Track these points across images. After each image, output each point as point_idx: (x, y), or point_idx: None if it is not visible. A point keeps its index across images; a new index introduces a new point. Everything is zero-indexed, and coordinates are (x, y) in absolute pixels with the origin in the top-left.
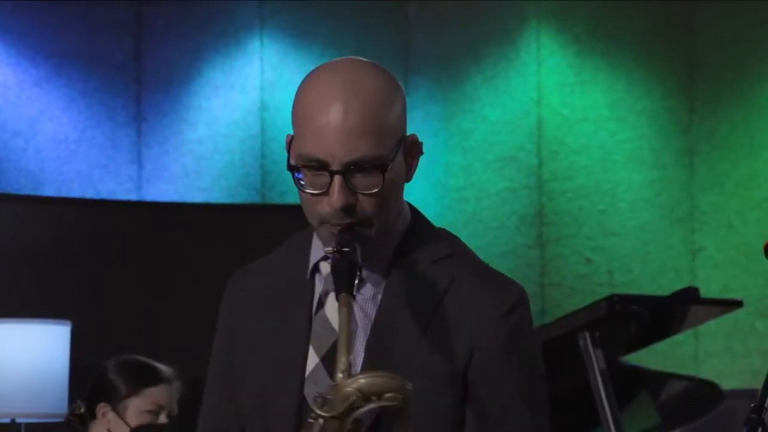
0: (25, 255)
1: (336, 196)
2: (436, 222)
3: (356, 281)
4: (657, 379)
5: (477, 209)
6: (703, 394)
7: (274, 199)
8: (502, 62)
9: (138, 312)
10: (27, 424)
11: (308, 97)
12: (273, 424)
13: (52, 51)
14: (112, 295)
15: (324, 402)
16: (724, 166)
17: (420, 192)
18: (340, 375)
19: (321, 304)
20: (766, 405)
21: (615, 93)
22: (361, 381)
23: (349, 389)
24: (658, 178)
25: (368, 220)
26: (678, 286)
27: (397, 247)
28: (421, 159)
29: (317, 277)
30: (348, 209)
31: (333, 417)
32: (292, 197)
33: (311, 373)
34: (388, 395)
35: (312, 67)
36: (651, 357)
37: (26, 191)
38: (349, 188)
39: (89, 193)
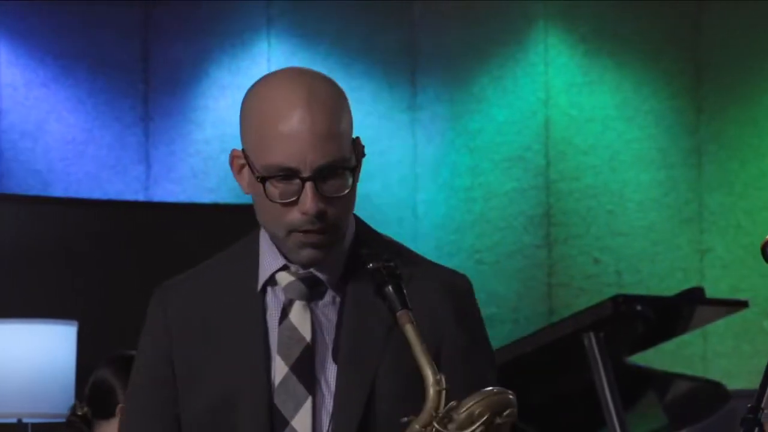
0: (32, 255)
1: (309, 203)
2: (443, 222)
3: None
4: (663, 380)
5: (484, 209)
6: (709, 395)
7: None
8: (510, 62)
9: (144, 312)
10: (33, 424)
11: (266, 106)
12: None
13: (60, 52)
14: (119, 296)
15: (450, 420)
16: (732, 166)
17: (427, 192)
18: (433, 389)
19: (285, 313)
20: (762, 405)
21: (622, 93)
22: (487, 399)
23: (480, 408)
24: (666, 178)
25: (337, 225)
26: (686, 287)
27: (349, 250)
28: (429, 159)
29: (269, 288)
30: (321, 215)
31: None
32: None
33: (282, 382)
34: (507, 412)
35: (320, 68)
36: (659, 357)
37: (34, 192)
38: (320, 194)
39: (97, 194)
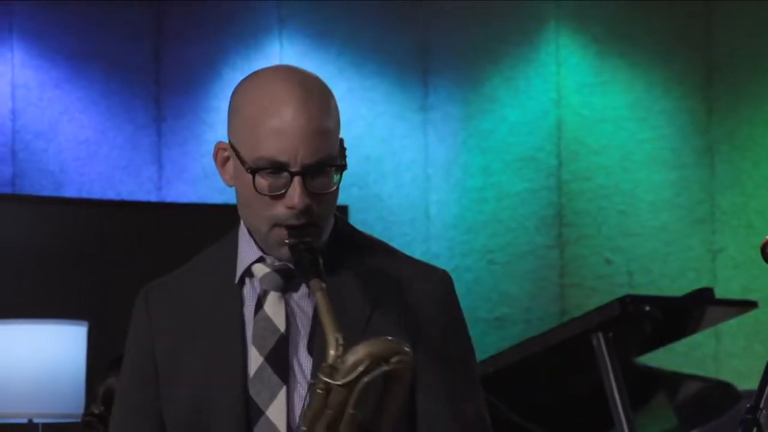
0: (45, 256)
1: (298, 198)
2: (455, 222)
3: (323, 268)
4: (673, 380)
5: (496, 210)
6: (719, 395)
7: None
8: (522, 63)
9: None
10: (44, 425)
11: (258, 101)
12: (215, 428)
13: (73, 52)
14: (130, 296)
15: (333, 371)
16: (744, 166)
17: (439, 193)
18: (332, 352)
19: (260, 304)
20: (761, 405)
21: (634, 93)
22: (369, 347)
23: (359, 355)
24: (678, 179)
25: (320, 221)
26: (698, 287)
27: (326, 246)
28: (441, 160)
29: (247, 281)
30: (307, 210)
31: (344, 384)
32: None
33: (257, 372)
34: (396, 359)
35: (332, 68)
36: (671, 358)
37: (47, 192)
38: (307, 189)
39: (110, 195)
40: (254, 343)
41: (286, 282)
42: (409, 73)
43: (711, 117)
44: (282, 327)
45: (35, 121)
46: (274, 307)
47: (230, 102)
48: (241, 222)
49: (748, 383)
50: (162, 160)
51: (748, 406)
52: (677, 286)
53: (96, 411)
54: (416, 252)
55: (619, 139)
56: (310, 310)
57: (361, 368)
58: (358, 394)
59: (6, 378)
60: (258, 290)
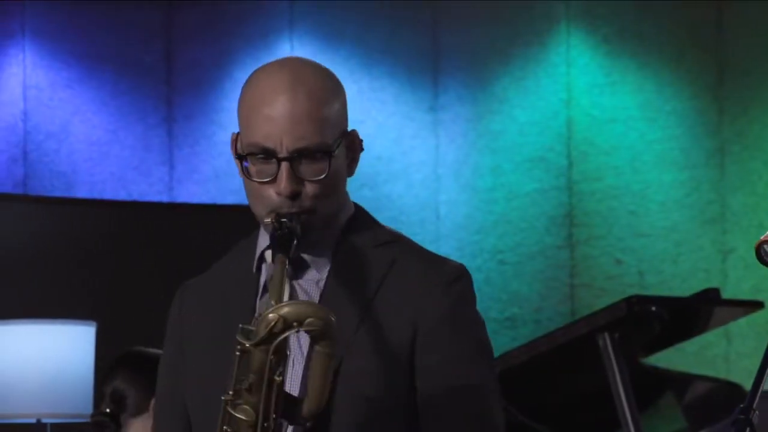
0: (55, 256)
1: (284, 183)
2: (465, 222)
3: (293, 246)
4: (681, 381)
5: (506, 210)
6: (726, 395)
7: None
8: (531, 63)
9: (166, 314)
10: (52, 425)
11: (254, 90)
12: (215, 416)
13: (84, 53)
14: (141, 296)
15: (249, 333)
16: (755, 166)
17: (449, 193)
18: (255, 316)
19: (266, 288)
20: (753, 406)
21: (644, 93)
22: (283, 309)
23: (270, 316)
24: (689, 179)
25: (312, 208)
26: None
27: (340, 235)
28: (451, 160)
29: (263, 267)
30: (294, 195)
31: (256, 344)
32: None
33: None
34: (309, 320)
35: (342, 69)
36: (682, 358)
37: (58, 193)
38: (295, 175)
39: (121, 195)
40: None
41: (295, 269)
42: (419, 73)
43: (721, 117)
44: None
45: (47, 121)
46: None
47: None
48: None
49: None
50: (173, 160)
51: (740, 406)
52: (688, 286)
53: (106, 410)
54: None
55: (630, 140)
56: (316, 296)
57: (270, 328)
58: (276, 357)
59: (14, 378)
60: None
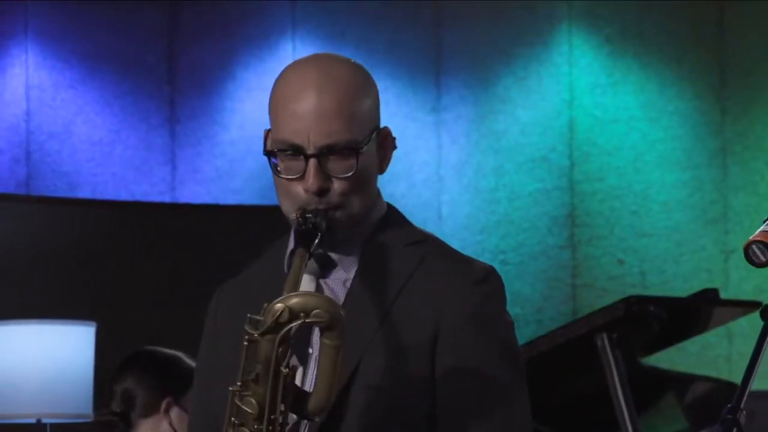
0: (58, 257)
1: (311, 180)
2: (468, 223)
3: (315, 242)
4: (680, 381)
5: (508, 210)
6: (726, 396)
7: None
8: (534, 63)
9: (167, 314)
10: (52, 425)
11: (284, 86)
12: None
13: (86, 53)
14: (144, 297)
15: (257, 323)
16: (757, 167)
17: (452, 193)
18: (265, 305)
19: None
20: (741, 406)
21: (647, 94)
22: (291, 299)
23: (276, 306)
24: (691, 179)
25: (340, 204)
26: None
27: (370, 234)
28: (453, 160)
29: None
30: (322, 192)
31: (262, 333)
32: None
33: None
34: (315, 312)
35: None
36: (684, 358)
37: (61, 193)
38: (323, 172)
39: (123, 195)
40: None
41: (322, 268)
42: (422, 74)
43: (724, 117)
44: None
45: (49, 122)
46: (304, 285)
47: None
48: None
49: (761, 384)
50: (175, 160)
51: (728, 406)
52: (690, 286)
53: (117, 410)
54: None
55: (632, 140)
56: (342, 296)
57: (276, 318)
58: (283, 348)
59: (14, 378)
60: None
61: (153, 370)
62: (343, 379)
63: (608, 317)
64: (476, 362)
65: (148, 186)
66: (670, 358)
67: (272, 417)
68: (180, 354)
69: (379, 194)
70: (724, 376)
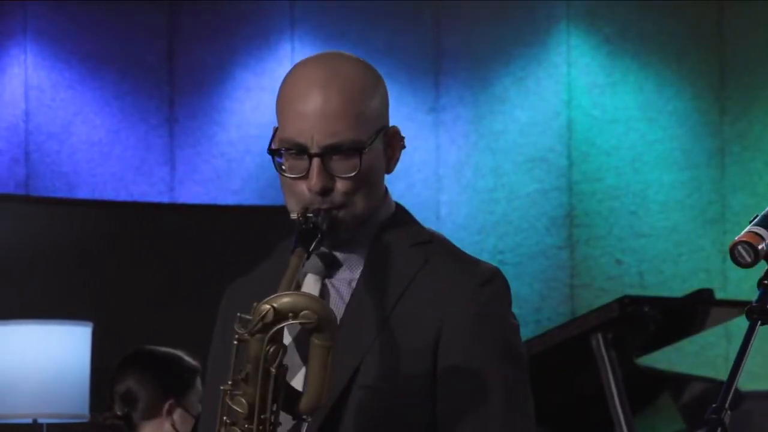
0: (57, 257)
1: (315, 179)
2: (466, 223)
3: (315, 241)
4: (678, 381)
5: (507, 210)
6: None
7: None
8: (532, 63)
9: (166, 314)
10: (48, 425)
11: (291, 85)
12: None
13: (86, 53)
14: (143, 297)
15: (246, 322)
16: (755, 167)
17: (450, 193)
18: (255, 304)
19: (298, 286)
20: (726, 406)
21: (645, 94)
22: (278, 300)
23: (262, 306)
24: (689, 179)
25: (343, 204)
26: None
27: (376, 233)
28: (452, 161)
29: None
30: (325, 192)
31: (251, 333)
32: None
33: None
34: (304, 313)
35: None
36: (682, 358)
37: (60, 194)
38: (327, 172)
39: (122, 195)
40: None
41: (327, 267)
42: (421, 74)
43: (723, 117)
44: None
45: (48, 122)
46: (309, 290)
47: None
48: None
49: (760, 384)
50: (174, 160)
51: (713, 406)
52: (688, 286)
53: (119, 412)
54: None
55: (630, 140)
56: (347, 296)
57: (261, 317)
58: (274, 348)
59: (11, 378)
60: None
61: (154, 370)
62: (343, 380)
63: (602, 317)
64: (479, 363)
65: (147, 186)
66: (668, 358)
67: (262, 416)
68: (180, 353)
69: (386, 194)
70: (723, 376)
